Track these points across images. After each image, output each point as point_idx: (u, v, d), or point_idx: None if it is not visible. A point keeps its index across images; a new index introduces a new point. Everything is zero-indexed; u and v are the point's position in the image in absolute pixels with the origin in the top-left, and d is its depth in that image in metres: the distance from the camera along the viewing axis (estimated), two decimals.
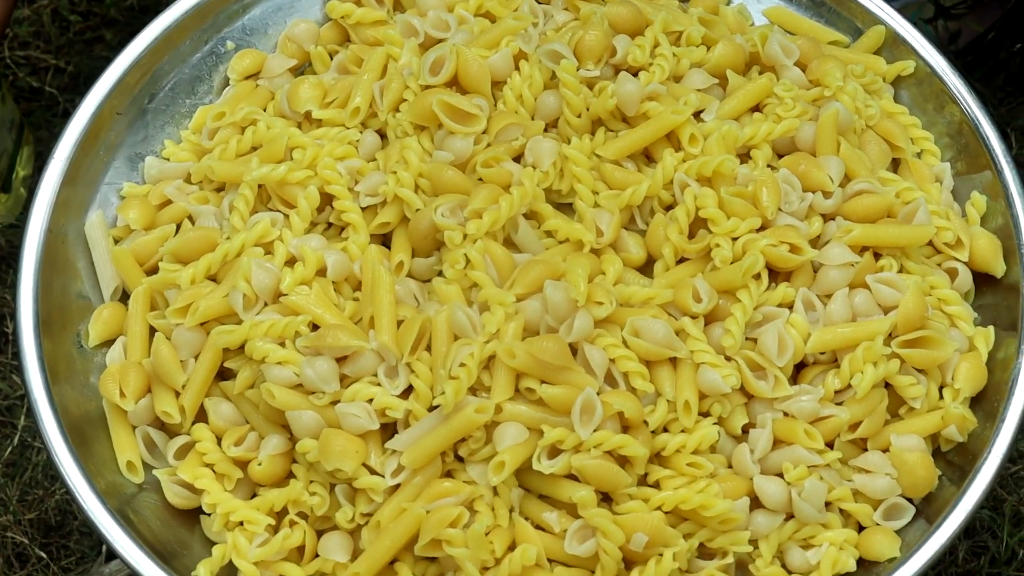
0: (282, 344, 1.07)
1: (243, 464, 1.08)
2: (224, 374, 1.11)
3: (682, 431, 1.05)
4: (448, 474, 1.05)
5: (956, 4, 1.16)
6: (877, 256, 1.11)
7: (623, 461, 1.04)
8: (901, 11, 1.22)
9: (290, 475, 1.08)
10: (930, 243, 1.13)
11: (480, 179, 1.11)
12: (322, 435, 1.03)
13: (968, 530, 1.49)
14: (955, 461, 1.09)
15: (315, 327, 1.07)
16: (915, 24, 1.21)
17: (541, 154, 1.12)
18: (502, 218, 1.08)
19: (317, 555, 1.06)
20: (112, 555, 1.04)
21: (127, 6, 1.78)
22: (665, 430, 1.06)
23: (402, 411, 1.04)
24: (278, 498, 1.06)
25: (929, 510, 1.07)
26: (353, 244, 1.11)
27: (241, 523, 1.06)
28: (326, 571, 1.06)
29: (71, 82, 1.73)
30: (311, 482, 1.06)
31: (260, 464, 1.06)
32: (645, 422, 1.04)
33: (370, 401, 1.04)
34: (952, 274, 1.14)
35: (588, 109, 1.14)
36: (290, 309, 1.08)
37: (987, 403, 1.10)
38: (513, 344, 1.03)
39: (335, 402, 1.05)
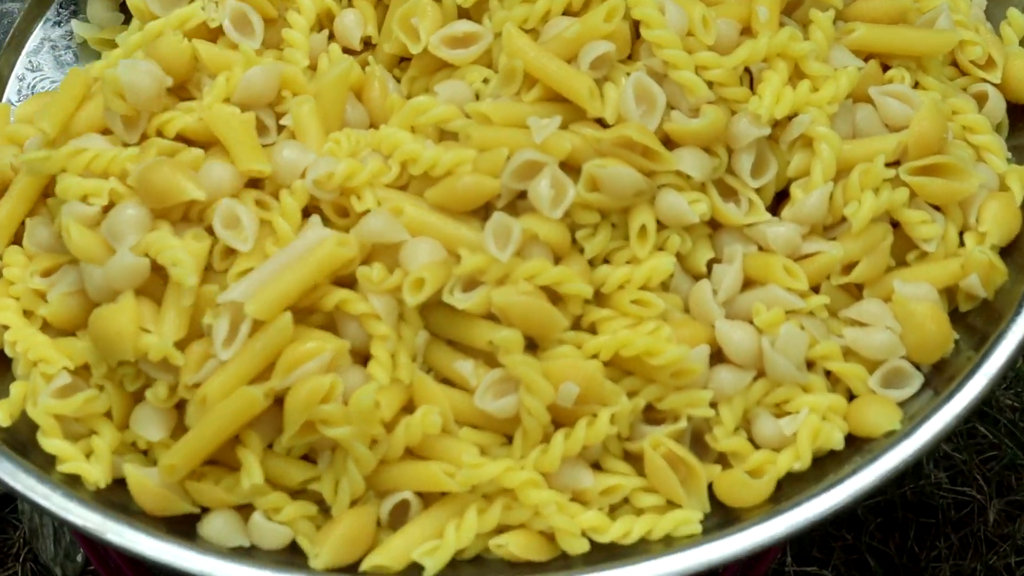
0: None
1: None
2: None
3: (627, 262, 0.83)
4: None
5: None
6: (886, 69, 0.89)
7: (554, 300, 0.82)
8: None
9: None
10: (954, 63, 0.91)
11: None
12: (92, 316, 0.81)
13: (1001, 487, 1.26)
14: (976, 325, 0.86)
15: None
16: None
17: None
18: None
19: None
20: None
21: None
22: (606, 261, 0.84)
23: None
24: (81, 350, 0.84)
25: (939, 380, 0.84)
26: None
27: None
28: (141, 445, 0.84)
29: None
30: None
31: (48, 302, 0.85)
32: (581, 250, 0.83)
33: None
34: (981, 99, 0.91)
35: None
36: None
37: (1019, 255, 0.87)
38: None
39: None
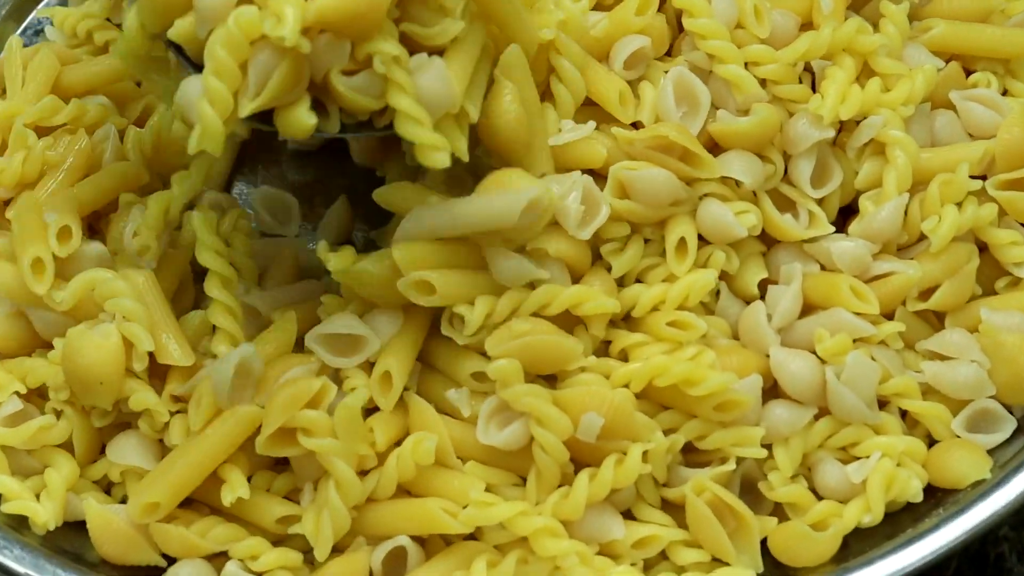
0: None
1: None
2: None
3: (663, 281, 0.72)
4: None
5: None
6: (968, 74, 0.79)
7: (572, 324, 0.71)
8: None
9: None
10: None
11: None
12: (65, 344, 0.72)
13: None
14: None
15: None
16: None
17: None
18: None
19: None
20: None
21: None
22: (638, 281, 0.73)
23: None
24: (31, 370, 0.74)
25: None
26: None
27: None
28: (113, 477, 0.74)
29: None
30: None
31: None
32: (608, 268, 0.72)
33: None
34: None
35: None
36: None
37: None
38: None
39: None
